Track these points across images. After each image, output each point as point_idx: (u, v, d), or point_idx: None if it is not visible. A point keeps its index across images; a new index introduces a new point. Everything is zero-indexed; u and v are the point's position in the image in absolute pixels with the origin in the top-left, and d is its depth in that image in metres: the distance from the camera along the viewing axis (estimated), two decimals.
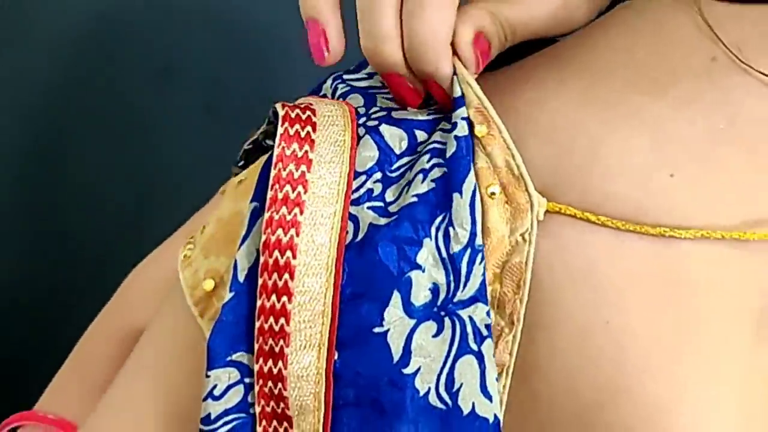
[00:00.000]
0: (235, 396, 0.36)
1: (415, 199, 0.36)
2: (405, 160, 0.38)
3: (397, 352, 0.35)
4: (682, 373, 0.35)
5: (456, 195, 0.36)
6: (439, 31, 0.37)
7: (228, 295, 0.37)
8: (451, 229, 0.36)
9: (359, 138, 0.38)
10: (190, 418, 0.38)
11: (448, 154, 0.37)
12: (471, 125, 0.37)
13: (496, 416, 0.35)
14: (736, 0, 0.38)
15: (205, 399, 0.37)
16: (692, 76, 0.37)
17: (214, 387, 0.36)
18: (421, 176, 0.36)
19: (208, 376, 0.36)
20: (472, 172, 0.36)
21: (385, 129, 0.38)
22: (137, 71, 1.07)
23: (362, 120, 0.39)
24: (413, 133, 0.38)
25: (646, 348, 0.35)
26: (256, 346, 0.36)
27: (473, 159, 0.37)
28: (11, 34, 1.05)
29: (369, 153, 0.37)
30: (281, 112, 0.37)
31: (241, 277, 0.37)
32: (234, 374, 0.36)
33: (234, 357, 0.36)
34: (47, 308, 1.11)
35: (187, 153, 1.09)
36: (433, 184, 0.36)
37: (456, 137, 0.37)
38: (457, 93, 0.37)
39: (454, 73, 0.38)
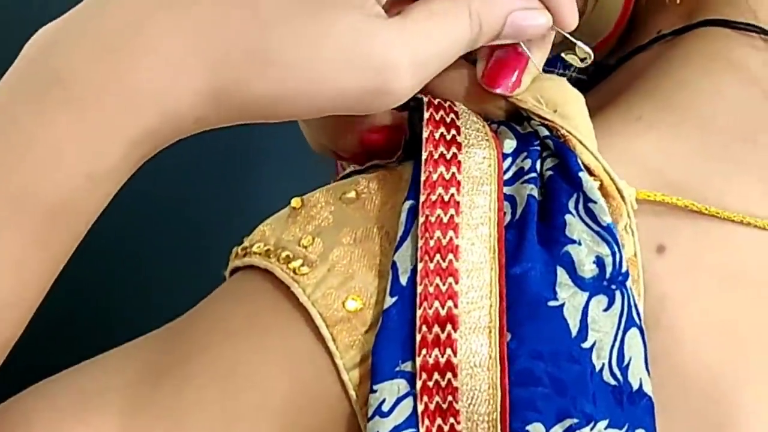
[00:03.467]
0: (405, 410, 0.34)
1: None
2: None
3: (574, 326, 0.34)
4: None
5: (583, 174, 0.36)
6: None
7: (389, 300, 0.34)
8: (591, 204, 0.36)
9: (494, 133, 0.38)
10: None
11: (552, 146, 0.37)
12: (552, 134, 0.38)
13: (651, 395, 0.35)
14: None
15: (371, 417, 0.34)
16: None
17: (382, 402, 0.34)
18: (539, 161, 0.37)
19: (374, 391, 0.34)
20: (579, 159, 0.37)
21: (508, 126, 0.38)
22: None
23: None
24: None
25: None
26: (419, 337, 0.33)
27: None
28: None
29: (509, 140, 0.37)
30: (426, 115, 0.37)
31: (403, 280, 0.34)
32: (403, 386, 0.34)
33: (402, 367, 0.34)
34: None
35: None
36: (551, 172, 0.37)
37: (548, 137, 0.38)
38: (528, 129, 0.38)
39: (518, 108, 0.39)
